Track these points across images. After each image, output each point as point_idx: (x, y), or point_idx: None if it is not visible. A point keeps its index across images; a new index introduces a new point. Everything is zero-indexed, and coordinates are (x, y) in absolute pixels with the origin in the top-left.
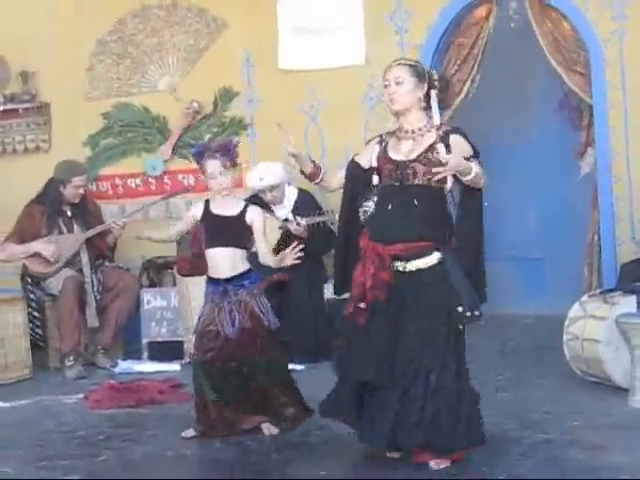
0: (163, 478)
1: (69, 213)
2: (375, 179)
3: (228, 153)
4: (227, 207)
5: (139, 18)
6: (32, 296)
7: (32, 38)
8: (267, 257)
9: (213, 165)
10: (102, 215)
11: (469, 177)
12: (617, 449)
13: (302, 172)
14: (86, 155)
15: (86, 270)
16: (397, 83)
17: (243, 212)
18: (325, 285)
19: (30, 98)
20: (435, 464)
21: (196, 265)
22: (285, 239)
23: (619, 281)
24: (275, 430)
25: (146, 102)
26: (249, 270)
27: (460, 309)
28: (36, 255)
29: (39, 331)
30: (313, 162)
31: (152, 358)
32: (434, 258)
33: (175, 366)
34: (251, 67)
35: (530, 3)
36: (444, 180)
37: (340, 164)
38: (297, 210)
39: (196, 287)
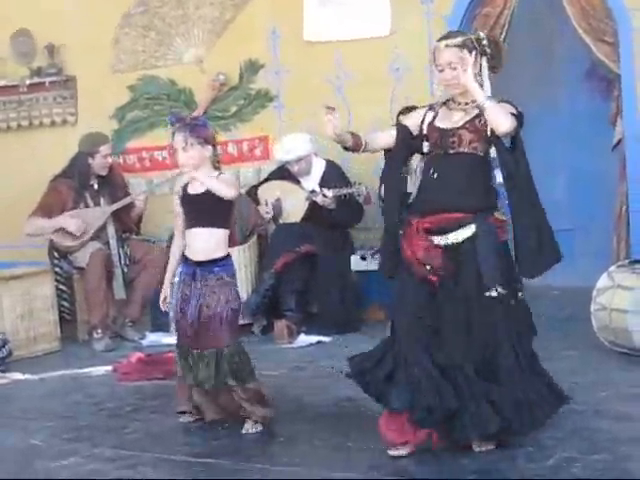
0: (190, 450)
1: (95, 186)
2: (425, 146)
3: (194, 129)
4: (198, 184)
5: None
6: (59, 270)
7: (58, 12)
8: (221, 187)
9: (177, 139)
10: (128, 187)
11: (479, 102)
12: None
13: (345, 148)
14: (113, 128)
15: (112, 242)
16: (452, 68)
17: None
18: (352, 257)
19: (56, 72)
20: (478, 446)
21: None
22: (312, 211)
23: None
24: (259, 427)
25: (172, 74)
26: (227, 256)
27: (486, 294)
28: (62, 229)
29: (66, 304)
30: (352, 133)
31: None
32: (468, 231)
33: None
34: (277, 38)
35: None
36: (488, 149)
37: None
38: (324, 182)
39: None
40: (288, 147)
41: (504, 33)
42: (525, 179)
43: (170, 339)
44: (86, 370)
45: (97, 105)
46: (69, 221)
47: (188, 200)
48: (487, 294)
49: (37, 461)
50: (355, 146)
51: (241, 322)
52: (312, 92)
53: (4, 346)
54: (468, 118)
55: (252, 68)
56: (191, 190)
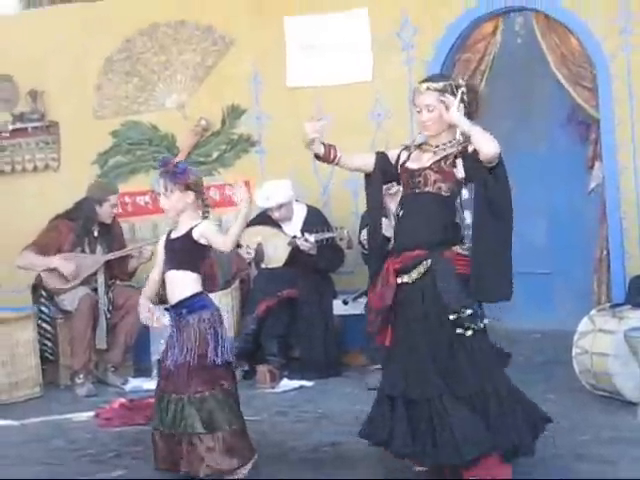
0: None
1: (95, 233)
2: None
3: (174, 176)
4: (180, 229)
5: (147, 36)
6: (44, 309)
7: (41, 58)
8: (227, 243)
9: (160, 184)
10: (125, 241)
11: (465, 129)
12: (625, 463)
13: (316, 156)
14: (95, 173)
15: (100, 290)
16: (429, 111)
17: (190, 230)
18: (334, 301)
19: (39, 117)
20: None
21: (206, 282)
22: (294, 256)
23: (628, 295)
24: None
25: (155, 120)
26: (195, 295)
27: (451, 317)
28: (54, 269)
29: (49, 344)
30: (323, 144)
31: None
32: (424, 267)
33: None
34: (259, 84)
35: (536, 18)
36: (455, 189)
37: (347, 180)
38: (306, 227)
39: None
40: (268, 194)
41: (484, 78)
42: (506, 210)
43: (152, 384)
44: (68, 416)
45: (80, 150)
46: (63, 263)
47: (168, 244)
48: (451, 317)
49: None
50: (327, 156)
51: None
52: (294, 137)
53: None
54: (435, 159)
55: (234, 113)
56: (173, 234)
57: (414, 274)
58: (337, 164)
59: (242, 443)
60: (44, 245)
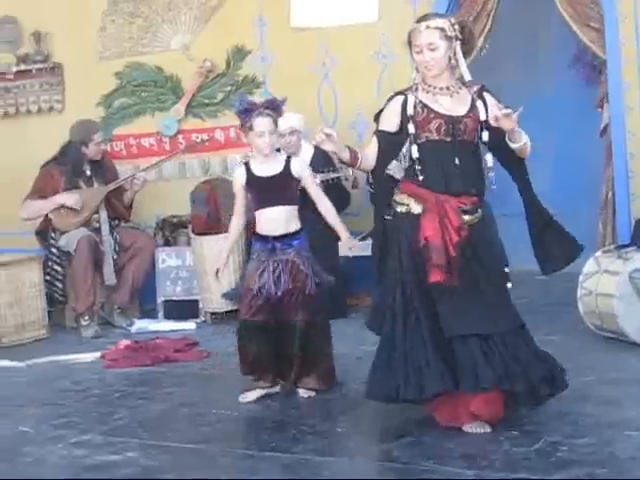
0: (179, 436)
1: (88, 172)
2: (411, 128)
3: (278, 110)
4: (270, 166)
5: None
6: (55, 250)
7: None
8: (331, 213)
9: (264, 123)
10: (118, 173)
11: (519, 144)
12: (630, 404)
13: (341, 161)
14: (100, 115)
15: (104, 227)
16: (431, 50)
17: (287, 166)
18: (340, 243)
19: (43, 59)
20: (470, 427)
21: (211, 223)
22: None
23: (633, 237)
24: (312, 393)
25: (159, 61)
26: (300, 230)
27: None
28: (60, 207)
29: (61, 286)
30: (348, 147)
31: (168, 317)
32: (480, 214)
33: (190, 324)
34: (263, 25)
35: None
36: (480, 136)
37: (352, 122)
38: (312, 167)
39: (211, 245)
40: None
41: (491, 19)
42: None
43: (158, 325)
44: (74, 357)
45: (84, 92)
46: (68, 196)
47: (258, 182)
48: (507, 270)
49: (26, 447)
50: (352, 161)
51: (230, 308)
52: (299, 78)
53: None
54: (467, 107)
55: (239, 55)
56: (260, 172)
57: (468, 219)
58: (360, 168)
59: (333, 365)
60: (41, 190)
